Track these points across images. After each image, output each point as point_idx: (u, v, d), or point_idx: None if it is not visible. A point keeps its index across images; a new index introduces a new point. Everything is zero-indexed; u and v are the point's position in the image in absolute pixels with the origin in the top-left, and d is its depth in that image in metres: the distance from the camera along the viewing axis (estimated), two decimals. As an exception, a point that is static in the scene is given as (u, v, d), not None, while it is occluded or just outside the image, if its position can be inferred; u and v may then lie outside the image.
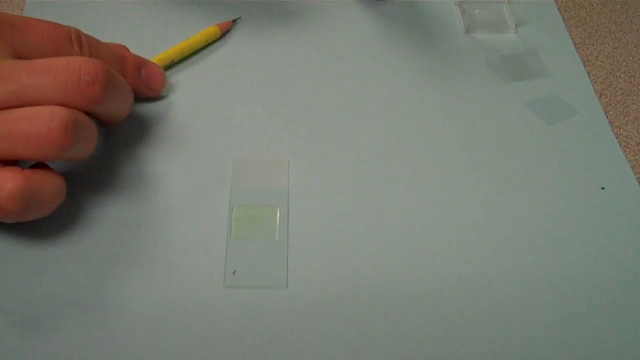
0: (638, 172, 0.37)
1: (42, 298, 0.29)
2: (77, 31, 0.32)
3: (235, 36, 0.42)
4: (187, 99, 0.38)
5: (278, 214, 0.33)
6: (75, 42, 0.31)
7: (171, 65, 0.39)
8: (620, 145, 0.38)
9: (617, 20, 0.46)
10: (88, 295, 0.30)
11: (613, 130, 0.39)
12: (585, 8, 0.47)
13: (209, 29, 0.41)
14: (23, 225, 0.31)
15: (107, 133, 0.36)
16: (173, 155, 0.35)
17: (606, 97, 0.41)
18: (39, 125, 0.27)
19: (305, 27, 0.43)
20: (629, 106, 0.40)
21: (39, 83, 0.27)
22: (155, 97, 0.38)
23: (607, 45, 0.44)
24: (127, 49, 0.36)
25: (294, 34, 0.42)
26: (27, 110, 0.27)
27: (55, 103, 0.28)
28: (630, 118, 0.40)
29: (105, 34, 0.36)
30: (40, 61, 0.28)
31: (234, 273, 0.31)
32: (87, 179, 0.34)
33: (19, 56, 0.29)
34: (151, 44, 0.39)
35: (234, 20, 0.43)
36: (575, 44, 0.44)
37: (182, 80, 0.39)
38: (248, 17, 0.43)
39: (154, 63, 0.37)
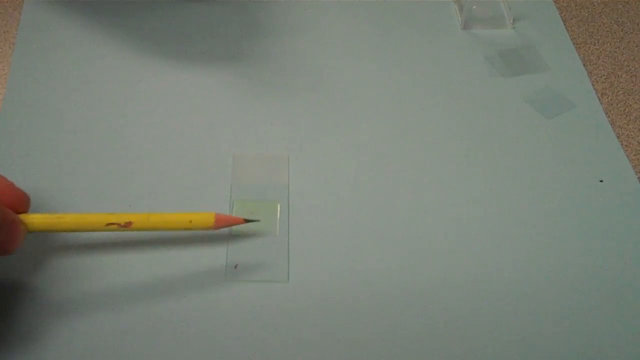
0: (640, 171, 0.37)
1: (40, 296, 0.30)
2: None
3: (237, 32, 0.42)
4: (188, 94, 0.38)
5: (278, 209, 0.33)
6: None
7: None
8: (618, 139, 0.38)
9: (618, 19, 0.46)
10: (88, 288, 0.30)
11: (614, 130, 0.39)
12: (587, 8, 0.47)
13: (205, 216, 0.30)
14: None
15: (100, 126, 0.36)
16: (174, 150, 0.35)
17: (608, 97, 0.41)
18: None
19: (304, 24, 0.43)
20: (630, 105, 0.40)
21: None
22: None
23: (608, 44, 0.44)
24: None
25: (294, 33, 0.42)
26: None
27: None
28: (632, 117, 0.40)
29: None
30: None
31: (235, 267, 0.31)
32: (88, 177, 0.34)
33: None
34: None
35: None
36: (576, 44, 0.44)
37: (183, 77, 0.39)
38: (247, 14, 0.43)
39: (19, 224, 0.28)
